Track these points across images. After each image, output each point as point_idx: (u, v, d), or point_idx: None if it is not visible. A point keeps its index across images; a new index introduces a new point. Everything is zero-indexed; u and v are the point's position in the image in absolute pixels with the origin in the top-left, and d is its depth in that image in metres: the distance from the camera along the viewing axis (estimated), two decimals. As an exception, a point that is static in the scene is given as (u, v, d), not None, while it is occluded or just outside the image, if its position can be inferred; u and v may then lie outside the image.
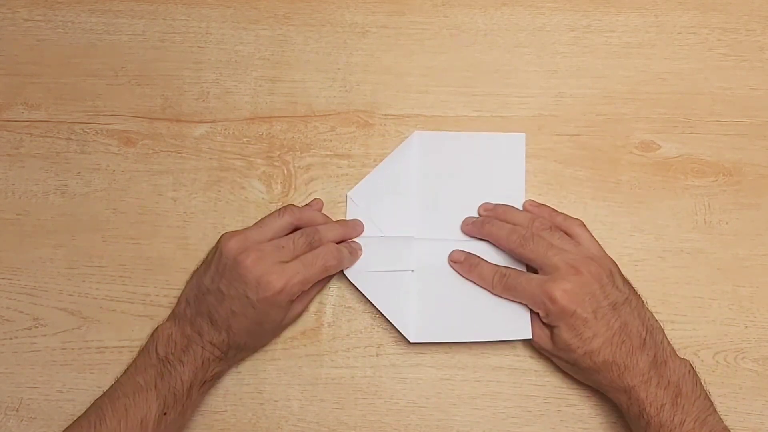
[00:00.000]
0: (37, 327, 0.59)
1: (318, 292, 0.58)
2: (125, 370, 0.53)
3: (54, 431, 0.57)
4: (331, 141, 0.61)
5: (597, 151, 0.60)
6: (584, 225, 0.56)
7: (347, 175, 0.61)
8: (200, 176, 0.61)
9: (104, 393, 0.52)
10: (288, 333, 0.58)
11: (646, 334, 0.51)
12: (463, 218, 0.58)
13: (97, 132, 0.62)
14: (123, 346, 0.58)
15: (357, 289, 0.57)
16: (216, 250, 0.55)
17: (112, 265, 0.60)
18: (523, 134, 0.60)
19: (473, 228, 0.57)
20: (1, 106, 0.63)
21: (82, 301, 0.59)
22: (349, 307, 0.58)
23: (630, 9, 0.63)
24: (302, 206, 0.59)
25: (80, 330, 0.59)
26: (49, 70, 0.64)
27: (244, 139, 0.62)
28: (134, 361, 0.53)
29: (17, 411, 0.57)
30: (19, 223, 0.61)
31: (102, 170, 0.62)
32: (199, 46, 0.64)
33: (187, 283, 0.56)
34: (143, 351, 0.53)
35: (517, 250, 0.55)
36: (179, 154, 0.62)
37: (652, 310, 0.57)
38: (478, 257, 0.56)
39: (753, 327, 0.57)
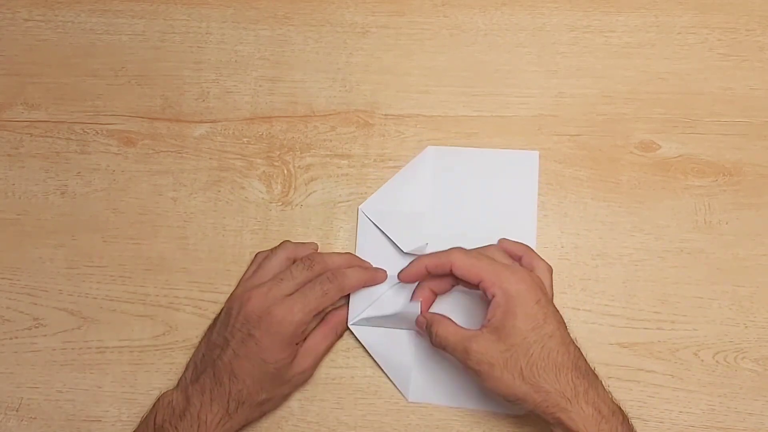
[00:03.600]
0: (37, 327, 0.59)
1: (327, 351, 0.56)
2: None
3: (54, 431, 0.57)
4: (331, 141, 0.61)
5: (597, 151, 0.60)
6: (551, 270, 0.53)
7: (347, 175, 0.61)
8: (200, 176, 0.61)
9: None
10: (288, 333, 0.58)
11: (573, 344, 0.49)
12: (475, 235, 0.57)
13: (97, 132, 0.62)
14: (123, 346, 0.58)
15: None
16: (221, 309, 0.55)
17: (112, 265, 0.60)
18: (537, 152, 0.60)
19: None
20: (1, 106, 0.63)
21: (82, 301, 0.59)
22: (349, 307, 0.58)
23: (630, 9, 0.63)
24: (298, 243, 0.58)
25: (80, 330, 0.59)
26: (49, 70, 0.64)
27: (244, 139, 0.62)
28: None
29: (17, 411, 0.57)
30: (19, 223, 0.61)
31: (102, 170, 0.62)
32: (199, 46, 0.64)
33: (195, 349, 0.56)
34: (143, 421, 0.52)
35: (477, 256, 0.51)
36: (179, 154, 0.62)
37: (652, 310, 0.57)
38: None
39: (753, 327, 0.57)
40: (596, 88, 0.62)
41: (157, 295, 0.59)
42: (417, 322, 0.54)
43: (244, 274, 0.57)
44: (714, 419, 0.55)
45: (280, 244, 0.57)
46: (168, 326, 0.58)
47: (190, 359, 0.56)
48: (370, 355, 0.57)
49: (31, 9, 0.65)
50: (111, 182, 0.61)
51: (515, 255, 0.54)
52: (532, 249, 0.55)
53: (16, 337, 0.59)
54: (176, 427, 0.50)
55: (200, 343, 0.56)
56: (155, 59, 0.64)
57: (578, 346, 0.49)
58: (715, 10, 0.63)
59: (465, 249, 0.52)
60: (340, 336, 0.57)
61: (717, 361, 0.56)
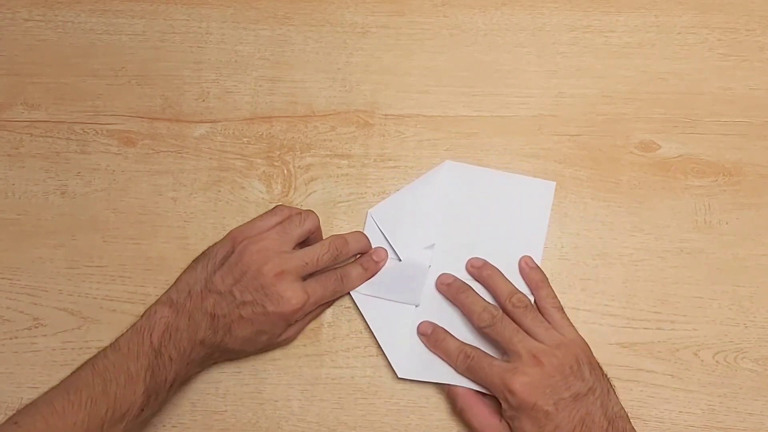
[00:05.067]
0: (37, 327, 0.59)
1: (312, 320, 0.58)
2: (116, 342, 0.50)
3: (54, 431, 0.57)
4: (331, 141, 0.61)
5: (597, 151, 0.60)
6: (561, 309, 0.55)
7: (347, 175, 0.61)
8: (200, 176, 0.61)
9: (93, 364, 0.49)
10: (288, 333, 0.58)
11: (608, 425, 0.50)
12: (478, 254, 0.58)
13: (97, 132, 0.62)
14: (123, 346, 0.58)
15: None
16: (232, 252, 0.54)
17: (112, 265, 0.60)
18: (554, 183, 0.59)
19: (448, 290, 0.57)
20: (1, 106, 0.63)
21: (82, 301, 0.59)
22: (349, 307, 0.58)
23: (630, 9, 0.63)
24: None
25: (80, 330, 0.59)
26: (49, 70, 0.64)
27: (244, 139, 0.62)
28: (127, 338, 0.51)
29: (17, 411, 0.57)
30: (19, 223, 0.61)
31: (102, 170, 0.62)
32: (199, 46, 0.64)
33: (190, 270, 0.55)
34: (137, 330, 0.51)
35: (485, 330, 0.54)
36: (179, 154, 0.62)
37: (652, 310, 0.57)
38: (446, 332, 0.56)
39: (753, 327, 0.57)
40: (596, 88, 0.62)
41: (157, 295, 0.58)
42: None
43: (259, 218, 0.56)
44: (714, 419, 0.55)
45: (308, 212, 0.56)
46: (168, 326, 0.58)
47: (182, 281, 0.54)
48: (369, 328, 0.57)
49: (31, 9, 0.65)
50: (111, 182, 0.61)
51: (531, 284, 0.57)
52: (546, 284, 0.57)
53: (16, 337, 0.59)
54: (171, 357, 0.51)
55: (195, 270, 0.54)
56: (155, 59, 0.64)
57: (595, 411, 0.50)
58: (715, 10, 0.63)
59: (459, 342, 0.55)
60: (327, 308, 0.58)
61: (717, 361, 0.56)
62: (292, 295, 0.52)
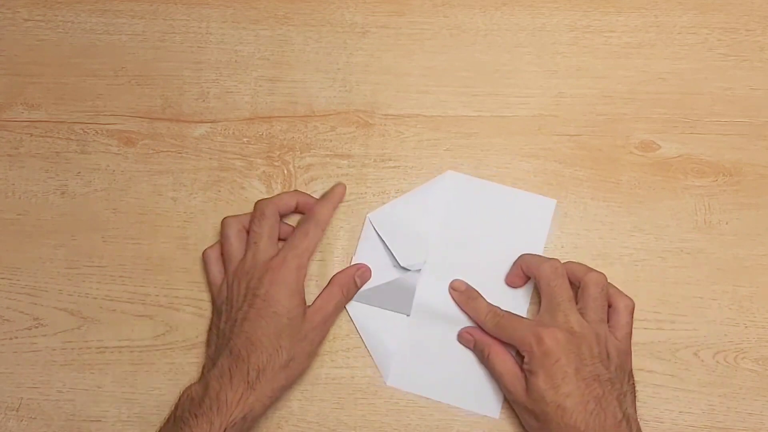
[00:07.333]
0: (37, 327, 0.59)
1: (337, 309, 0.56)
2: None
3: (54, 431, 0.57)
4: (331, 141, 0.61)
5: (597, 151, 0.60)
6: (631, 308, 0.54)
7: (347, 175, 0.61)
8: (200, 176, 0.61)
9: None
10: (288, 333, 0.58)
11: (623, 418, 0.49)
12: (474, 267, 0.58)
13: (97, 132, 0.62)
14: (123, 346, 0.58)
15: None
16: (221, 306, 0.55)
17: (112, 265, 0.60)
18: (554, 201, 0.59)
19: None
20: (1, 106, 0.63)
21: (82, 301, 0.59)
22: (349, 307, 0.58)
23: (630, 9, 0.63)
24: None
25: (80, 330, 0.59)
26: (49, 70, 0.64)
27: (244, 139, 0.62)
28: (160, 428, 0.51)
29: (17, 411, 0.57)
30: (19, 223, 0.61)
31: (102, 170, 0.62)
32: (199, 46, 0.64)
33: (205, 346, 0.57)
34: (166, 419, 0.51)
35: (548, 276, 0.53)
36: (179, 154, 0.62)
37: (652, 310, 0.57)
38: (478, 292, 0.56)
39: (753, 327, 0.57)
40: (596, 88, 0.62)
41: (157, 295, 0.59)
42: (463, 337, 0.57)
43: (226, 246, 0.56)
44: (714, 419, 0.55)
45: (256, 206, 0.57)
46: (168, 326, 0.58)
47: (206, 355, 0.55)
48: (358, 333, 0.58)
49: (31, 9, 0.65)
50: (111, 182, 0.61)
51: (575, 278, 0.55)
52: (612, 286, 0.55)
53: (16, 337, 0.59)
54: (195, 415, 0.48)
55: (208, 338, 0.56)
56: (155, 59, 0.64)
57: (615, 398, 0.50)
58: (715, 10, 0.63)
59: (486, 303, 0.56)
60: (348, 297, 0.57)
61: (717, 361, 0.56)
62: (264, 264, 0.53)
